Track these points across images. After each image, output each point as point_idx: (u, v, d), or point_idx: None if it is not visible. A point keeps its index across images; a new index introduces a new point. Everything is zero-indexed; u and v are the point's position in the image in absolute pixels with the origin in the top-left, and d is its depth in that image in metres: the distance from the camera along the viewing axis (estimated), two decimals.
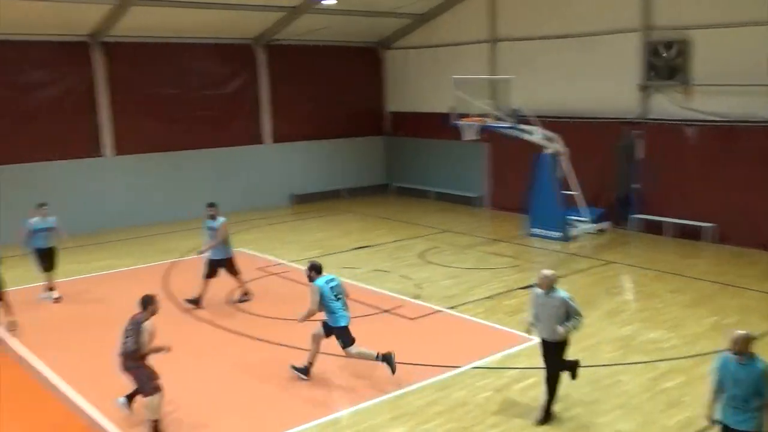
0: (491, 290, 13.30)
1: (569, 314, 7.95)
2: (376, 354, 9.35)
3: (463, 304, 12.51)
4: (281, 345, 10.67)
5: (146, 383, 8.07)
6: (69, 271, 14.74)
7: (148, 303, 8.22)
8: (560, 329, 7.92)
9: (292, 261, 15.64)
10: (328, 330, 9.39)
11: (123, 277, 14.87)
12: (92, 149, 19.37)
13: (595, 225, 17.62)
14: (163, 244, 17.56)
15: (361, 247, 16.91)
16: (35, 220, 13.11)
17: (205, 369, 10.00)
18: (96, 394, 9.05)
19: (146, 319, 8.10)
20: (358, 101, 24.37)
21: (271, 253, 16.37)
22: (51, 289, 13.27)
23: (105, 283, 14.43)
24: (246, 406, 8.88)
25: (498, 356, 10.09)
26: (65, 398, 9.12)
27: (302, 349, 10.37)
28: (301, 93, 22.84)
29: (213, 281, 12.69)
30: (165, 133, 20.29)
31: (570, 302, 7.96)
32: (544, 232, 17.28)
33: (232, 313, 12.39)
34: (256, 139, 22.39)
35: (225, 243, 12.71)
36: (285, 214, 21.60)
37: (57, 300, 13.17)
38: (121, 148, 19.75)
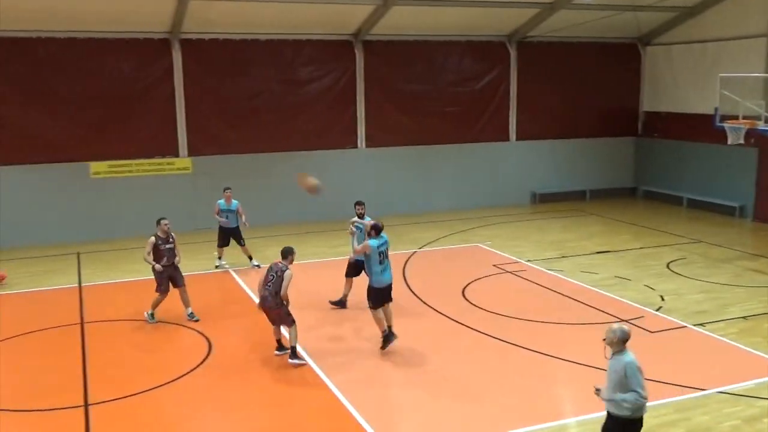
0: (748, 310, 12.04)
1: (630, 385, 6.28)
2: (385, 328, 10.31)
3: (714, 322, 11.47)
4: (505, 341, 10.62)
5: (286, 318, 9.82)
6: (317, 254, 15.97)
7: (288, 253, 9.91)
8: (604, 393, 6.44)
9: (529, 260, 15.46)
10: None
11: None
12: (348, 141, 20.77)
13: None
14: (406, 234, 18.30)
15: (602, 252, 16.22)
16: (221, 202, 14.82)
17: (427, 357, 10.26)
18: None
19: (287, 268, 9.75)
20: (610, 100, 23.34)
21: (509, 250, 16.32)
22: (250, 258, 15.08)
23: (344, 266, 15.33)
24: (469, 398, 8.98)
25: (750, 384, 9.12)
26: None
27: (525, 347, 10.25)
28: (550, 90, 22.43)
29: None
30: (414, 127, 21.10)
31: (632, 371, 6.26)
32: None
33: (462, 304, 12.56)
34: (501, 136, 22.43)
35: None
36: (525, 212, 21.40)
37: (257, 266, 14.84)
38: (373, 141, 20.92)
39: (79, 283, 14.31)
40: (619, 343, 6.43)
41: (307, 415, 8.59)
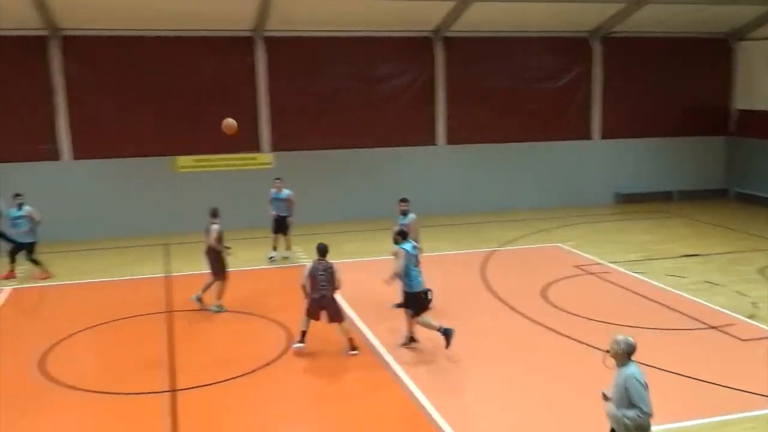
0: None
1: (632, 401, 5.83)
2: (438, 326, 10.04)
3: None
4: (586, 344, 10.36)
5: (341, 313, 10.29)
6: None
7: (326, 250, 10.21)
8: (608, 406, 6.02)
9: (612, 262, 15.05)
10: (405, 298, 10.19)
11: (442, 261, 15.66)
12: (427, 138, 20.73)
13: None
14: (485, 233, 18.14)
15: (690, 255, 15.62)
16: (272, 191, 15.33)
17: (506, 357, 10.13)
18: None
19: (331, 262, 10.12)
20: (699, 97, 22.44)
21: (591, 251, 15.93)
22: (288, 248, 15.47)
23: (426, 264, 15.27)
24: (548, 401, 8.81)
25: None
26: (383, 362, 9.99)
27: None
28: (636, 87, 21.77)
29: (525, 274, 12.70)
30: (494, 125, 20.86)
31: (632, 384, 5.83)
32: None
33: (541, 306, 12.34)
34: (583, 134, 21.93)
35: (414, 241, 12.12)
36: (608, 213, 20.85)
37: (271, 259, 15.35)
38: (453, 139, 20.82)
39: (167, 273, 14.81)
40: (624, 355, 6.02)
41: (383, 411, 8.62)
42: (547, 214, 20.20)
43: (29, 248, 14.36)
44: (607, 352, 6.10)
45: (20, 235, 14.28)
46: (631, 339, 6.09)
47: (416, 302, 10.20)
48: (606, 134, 22.00)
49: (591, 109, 21.89)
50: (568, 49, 21.37)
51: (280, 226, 15.44)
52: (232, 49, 18.94)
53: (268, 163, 19.32)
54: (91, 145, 18.15)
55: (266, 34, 18.87)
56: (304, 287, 10.19)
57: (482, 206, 20.71)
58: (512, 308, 12.24)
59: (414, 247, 10.43)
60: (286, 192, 15.40)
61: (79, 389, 9.14)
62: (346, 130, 19.79)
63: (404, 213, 12.40)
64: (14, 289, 13.80)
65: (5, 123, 17.47)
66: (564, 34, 21.10)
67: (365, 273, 14.36)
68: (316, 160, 19.58)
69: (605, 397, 6.20)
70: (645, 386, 5.91)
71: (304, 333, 10.28)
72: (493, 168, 21.02)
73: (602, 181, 21.99)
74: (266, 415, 8.56)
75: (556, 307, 12.28)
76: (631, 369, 5.95)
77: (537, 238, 17.62)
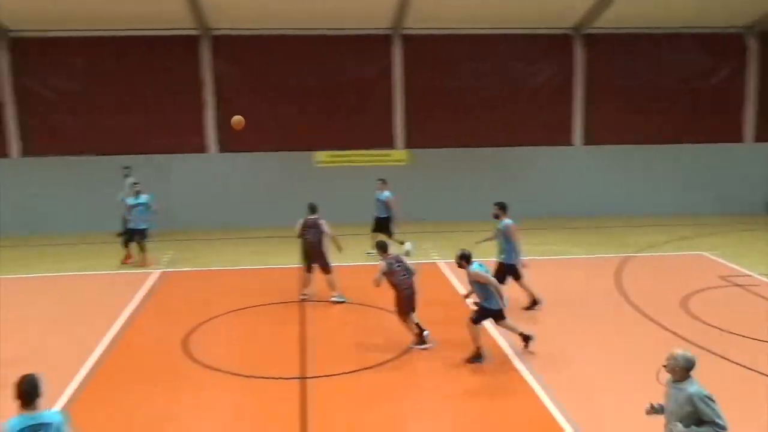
0: None
1: (701, 419, 5.55)
2: (480, 344, 9.74)
3: None
4: (728, 360, 9.68)
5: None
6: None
7: (387, 245, 10.58)
8: (678, 427, 5.61)
9: (763, 274, 14.00)
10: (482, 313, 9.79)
11: (576, 265, 15.20)
12: (564, 138, 20.19)
13: None
14: (622, 237, 17.44)
15: None
16: (377, 193, 15.59)
17: (640, 367, 9.63)
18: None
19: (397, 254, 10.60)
20: None
21: (739, 262, 14.90)
22: (401, 243, 15.17)
23: (552, 267, 14.89)
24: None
25: None
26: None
27: (753, 369, 9.30)
28: None
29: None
30: (636, 125, 20.01)
31: (702, 402, 5.55)
32: None
33: (682, 316, 11.65)
34: (733, 136, 20.58)
35: (511, 246, 11.57)
36: (760, 221, 19.41)
37: (369, 254, 15.00)
38: (591, 139, 20.15)
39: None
40: (683, 371, 5.75)
41: (511, 412, 8.47)
42: (691, 221, 19.12)
43: (142, 234, 15.25)
44: (664, 366, 5.85)
45: (136, 221, 15.17)
46: (689, 354, 5.81)
47: (484, 315, 9.89)
48: (761, 137, 20.51)
49: (744, 110, 20.49)
50: (720, 45, 20.13)
51: (378, 226, 15.60)
52: (370, 47, 19.33)
53: (401, 160, 19.55)
54: (235, 139, 19.06)
55: (404, 31, 19.08)
56: (377, 282, 10.27)
57: (620, 209, 19.94)
58: (649, 317, 11.65)
59: (481, 266, 9.90)
60: (386, 194, 15.56)
61: (217, 370, 9.63)
62: (480, 128, 19.68)
63: (496, 217, 11.73)
64: (163, 272, 14.78)
65: (159, 117, 18.76)
66: (716, 30, 19.87)
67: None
68: (449, 158, 19.60)
69: (654, 409, 6.06)
70: (713, 399, 5.66)
71: (420, 329, 10.30)
72: (633, 170, 20.19)
73: (756, 187, 20.53)
74: (392, 408, 8.64)
75: (696, 319, 11.57)
76: (695, 386, 5.72)
77: (679, 245, 16.72)
